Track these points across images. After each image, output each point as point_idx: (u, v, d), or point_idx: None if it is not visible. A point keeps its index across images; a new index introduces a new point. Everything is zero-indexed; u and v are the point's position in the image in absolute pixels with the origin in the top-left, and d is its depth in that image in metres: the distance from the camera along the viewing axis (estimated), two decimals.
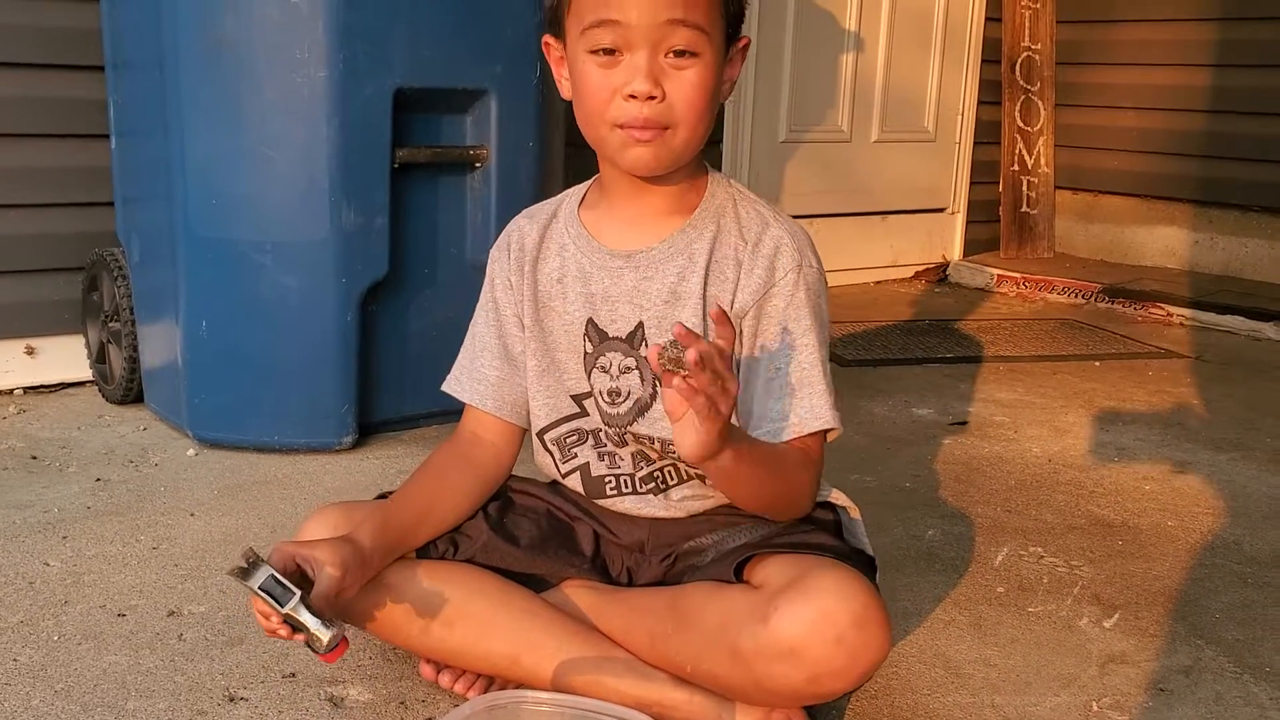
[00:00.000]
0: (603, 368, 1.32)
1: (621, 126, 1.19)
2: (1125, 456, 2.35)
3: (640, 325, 1.29)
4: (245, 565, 1.10)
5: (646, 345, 1.29)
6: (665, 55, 1.16)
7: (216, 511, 1.91)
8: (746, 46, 1.26)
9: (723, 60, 1.21)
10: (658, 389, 1.29)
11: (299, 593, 1.09)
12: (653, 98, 1.16)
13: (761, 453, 1.20)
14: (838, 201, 4.13)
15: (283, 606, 1.09)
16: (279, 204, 2.08)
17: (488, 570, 1.32)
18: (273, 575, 1.09)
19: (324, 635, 1.10)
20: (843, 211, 4.15)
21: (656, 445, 1.31)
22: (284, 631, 1.11)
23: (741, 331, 1.27)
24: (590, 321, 1.31)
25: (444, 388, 1.41)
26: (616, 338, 1.30)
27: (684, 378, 1.00)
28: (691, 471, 1.33)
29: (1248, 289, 3.92)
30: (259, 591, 1.09)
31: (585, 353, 1.32)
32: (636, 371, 1.30)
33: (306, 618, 1.09)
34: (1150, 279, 4.10)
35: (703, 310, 1.27)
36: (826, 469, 1.31)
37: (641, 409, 1.31)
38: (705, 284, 1.27)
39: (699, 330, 1.26)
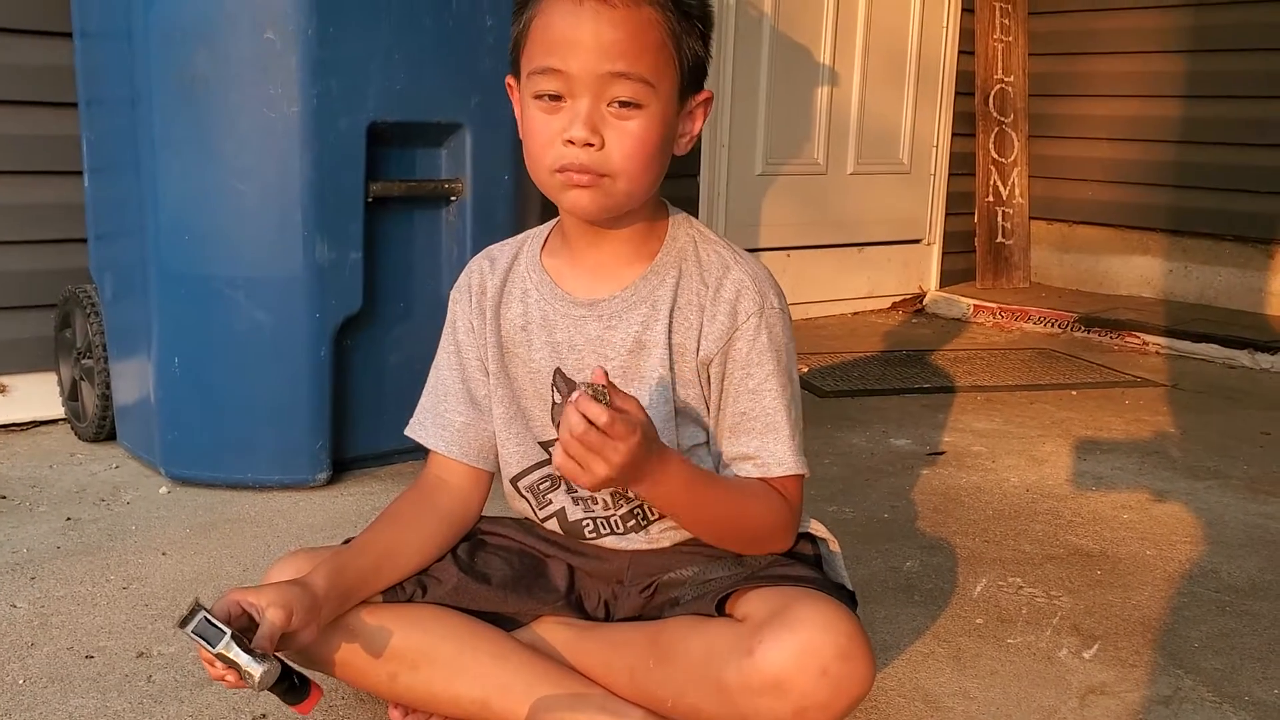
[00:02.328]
0: None
1: (560, 171, 1.18)
2: (1103, 485, 2.35)
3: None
4: (186, 614, 1.09)
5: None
6: (608, 104, 1.15)
7: (188, 550, 1.88)
8: (709, 101, 1.24)
9: (674, 112, 1.20)
10: None
11: (229, 632, 1.08)
12: (590, 145, 1.15)
13: (712, 489, 1.21)
14: (814, 233, 4.14)
15: (213, 646, 1.07)
16: (252, 239, 2.07)
17: (456, 611, 1.30)
18: (205, 618, 1.08)
19: (255, 670, 1.08)
20: (819, 243, 4.16)
21: (629, 492, 1.30)
22: (231, 677, 1.08)
23: (709, 377, 1.27)
24: (558, 371, 1.30)
25: (407, 432, 1.39)
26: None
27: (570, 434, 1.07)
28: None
29: (1222, 317, 3.95)
30: (191, 635, 1.08)
31: (554, 402, 1.31)
32: None
33: (237, 654, 1.08)
34: (1126, 308, 4.12)
35: (669, 359, 1.26)
36: (804, 501, 1.31)
37: None
38: (670, 331, 1.26)
39: (664, 380, 1.26)
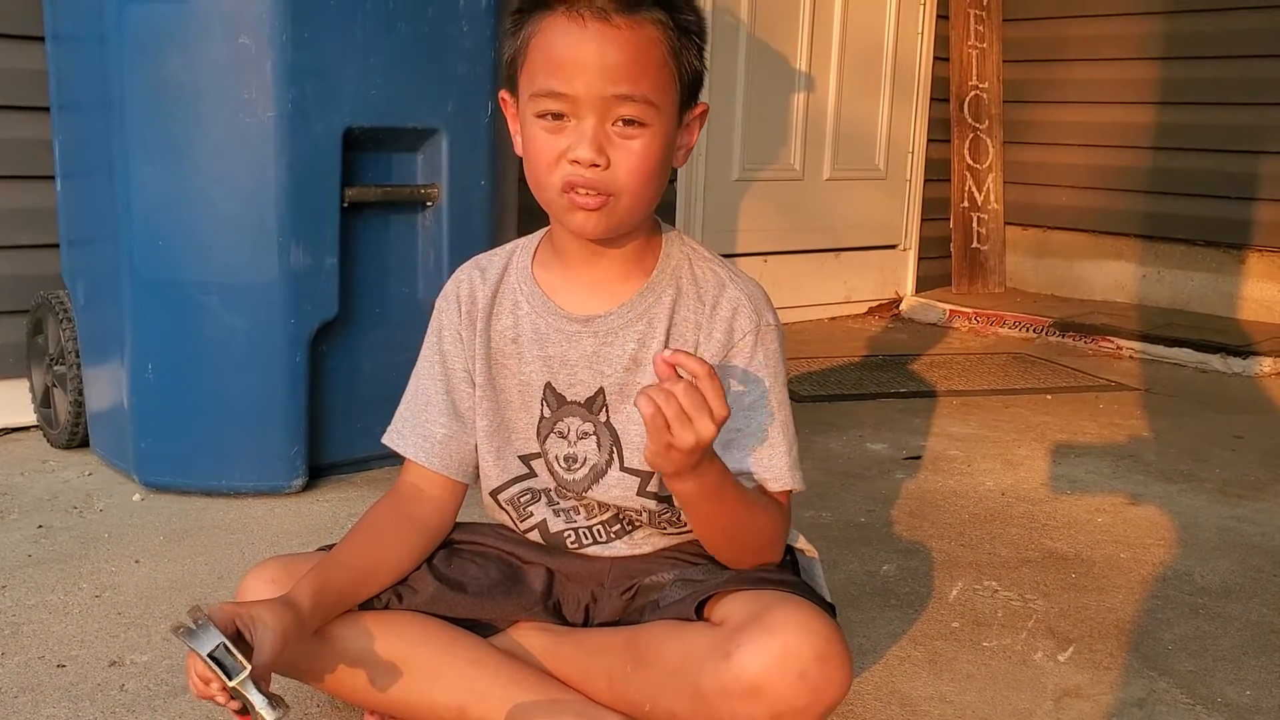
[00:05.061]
0: (560, 433, 1.30)
1: (566, 191, 1.17)
2: (1078, 489, 2.37)
3: (601, 391, 1.28)
4: (193, 626, 1.06)
5: (608, 411, 1.28)
6: (613, 124, 1.15)
7: (162, 558, 1.87)
8: (704, 113, 1.25)
9: (674, 128, 1.20)
10: (614, 455, 1.28)
11: (249, 667, 1.05)
12: (596, 165, 1.15)
13: (735, 492, 1.20)
14: (791, 239, 4.15)
15: (231, 679, 1.04)
16: (227, 245, 2.06)
17: (433, 618, 1.29)
18: (224, 644, 1.05)
19: (269, 716, 1.04)
20: (796, 249, 4.18)
21: (612, 510, 1.30)
22: (221, 698, 1.06)
23: None
24: (548, 386, 1.29)
25: (385, 440, 1.37)
26: (575, 402, 1.29)
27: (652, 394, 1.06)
28: (653, 519, 1.32)
29: (1194, 322, 3.98)
30: (208, 659, 1.04)
31: (542, 417, 1.30)
32: (594, 437, 1.28)
33: (254, 695, 1.04)
34: (1100, 313, 4.15)
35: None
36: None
37: (597, 475, 1.29)
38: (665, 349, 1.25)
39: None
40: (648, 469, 1.27)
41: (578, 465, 1.29)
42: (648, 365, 1.26)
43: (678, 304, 1.27)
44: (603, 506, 1.32)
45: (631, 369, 1.27)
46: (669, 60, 1.17)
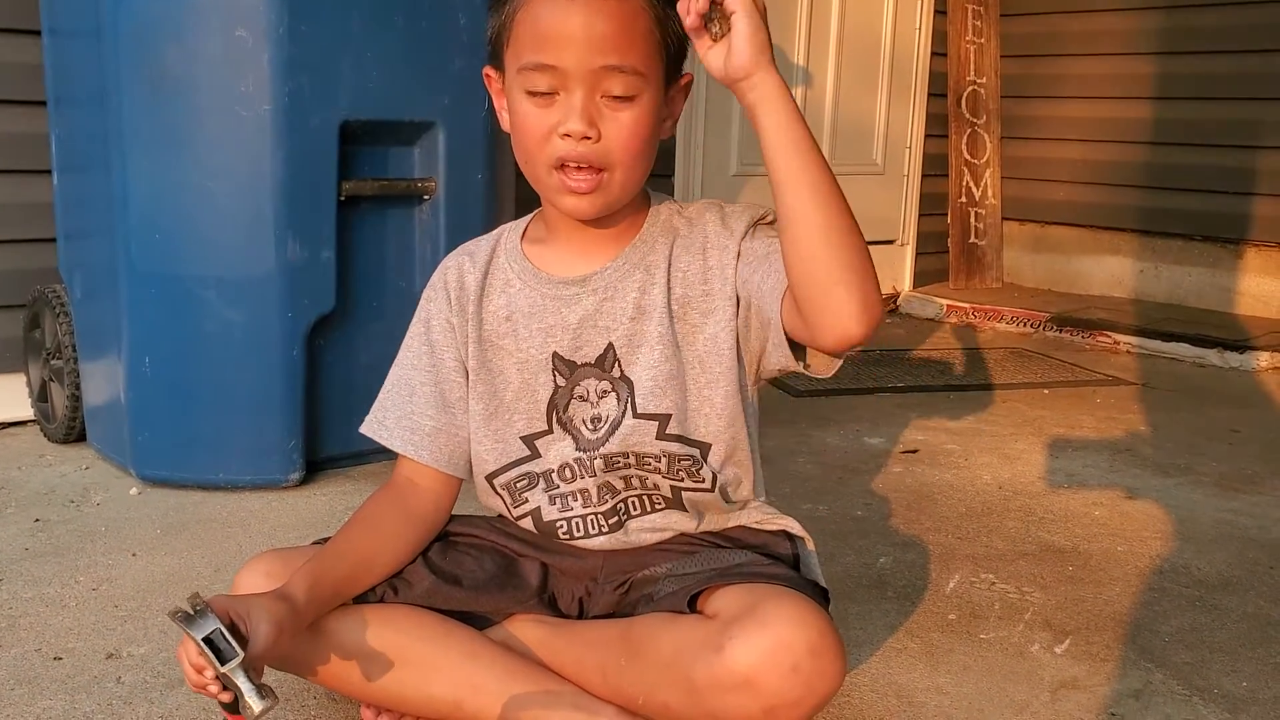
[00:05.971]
0: (581, 396, 1.29)
1: (558, 167, 1.17)
2: (1075, 482, 2.37)
3: (610, 347, 1.27)
4: (190, 611, 1.06)
5: (620, 366, 1.27)
6: (601, 96, 1.15)
7: (159, 551, 1.87)
8: (689, 84, 1.25)
9: (662, 100, 1.20)
10: (630, 407, 1.27)
11: (242, 654, 1.05)
12: (587, 138, 1.15)
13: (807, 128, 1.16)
14: None
15: (223, 665, 1.04)
16: (223, 238, 2.05)
17: (429, 610, 1.29)
18: (220, 629, 1.05)
19: (256, 705, 1.04)
20: None
21: (631, 459, 1.28)
22: (214, 688, 1.05)
23: (748, 303, 1.23)
24: (555, 355, 1.29)
25: (366, 430, 1.36)
26: (586, 364, 1.28)
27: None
28: (656, 503, 1.32)
29: (1192, 316, 3.99)
30: (201, 642, 1.04)
31: (556, 387, 1.29)
32: (613, 393, 1.28)
33: (243, 682, 1.04)
34: (1097, 308, 4.15)
35: (669, 319, 1.25)
36: (779, 499, 1.30)
37: (614, 427, 1.28)
38: (669, 290, 1.25)
39: (665, 337, 1.25)
40: (663, 412, 1.26)
41: (602, 424, 1.28)
42: (651, 311, 1.25)
43: (675, 245, 1.26)
44: (601, 496, 1.31)
45: (637, 318, 1.26)
46: (655, 29, 1.17)
